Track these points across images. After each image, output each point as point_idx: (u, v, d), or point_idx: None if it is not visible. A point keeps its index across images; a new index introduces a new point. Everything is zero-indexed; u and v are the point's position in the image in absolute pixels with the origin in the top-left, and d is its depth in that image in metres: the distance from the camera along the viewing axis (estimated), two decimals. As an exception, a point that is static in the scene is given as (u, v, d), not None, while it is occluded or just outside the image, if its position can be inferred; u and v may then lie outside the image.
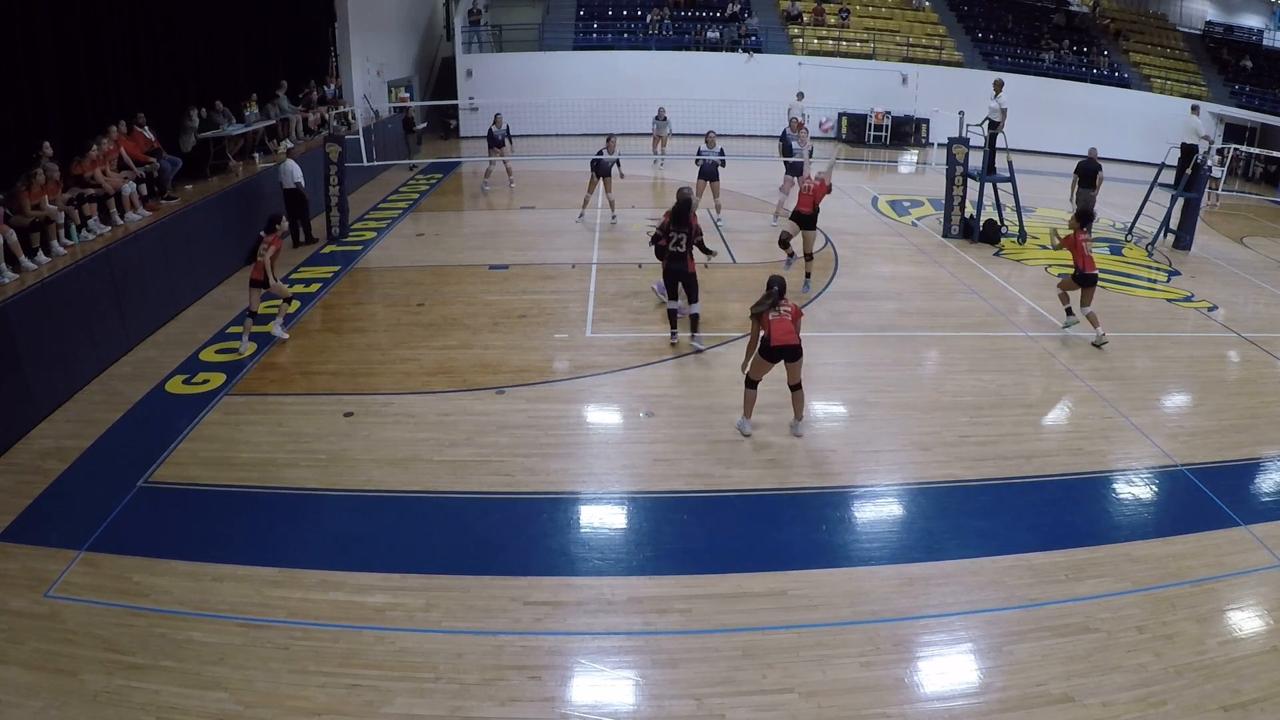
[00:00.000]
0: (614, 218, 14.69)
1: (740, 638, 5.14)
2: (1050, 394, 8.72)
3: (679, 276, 9.19)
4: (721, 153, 14.29)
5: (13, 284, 7.98)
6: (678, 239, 9.06)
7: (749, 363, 7.48)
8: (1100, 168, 14.56)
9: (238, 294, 11.05)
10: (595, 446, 7.49)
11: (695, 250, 9.23)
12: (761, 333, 7.28)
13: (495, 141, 17.45)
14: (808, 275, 11.43)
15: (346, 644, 5.04)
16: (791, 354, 7.28)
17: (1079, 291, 9.89)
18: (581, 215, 14.85)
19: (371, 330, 10.04)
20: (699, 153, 14.53)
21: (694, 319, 9.31)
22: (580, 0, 26.78)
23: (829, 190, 11.29)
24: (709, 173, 14.27)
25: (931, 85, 23.80)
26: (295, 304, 10.22)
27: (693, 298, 9.24)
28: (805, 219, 11.11)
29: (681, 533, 6.24)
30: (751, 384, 7.51)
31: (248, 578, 5.59)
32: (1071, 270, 9.92)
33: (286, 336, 9.60)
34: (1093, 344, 9.83)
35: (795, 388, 7.52)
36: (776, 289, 7.31)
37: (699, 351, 9.26)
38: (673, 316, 9.52)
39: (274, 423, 7.69)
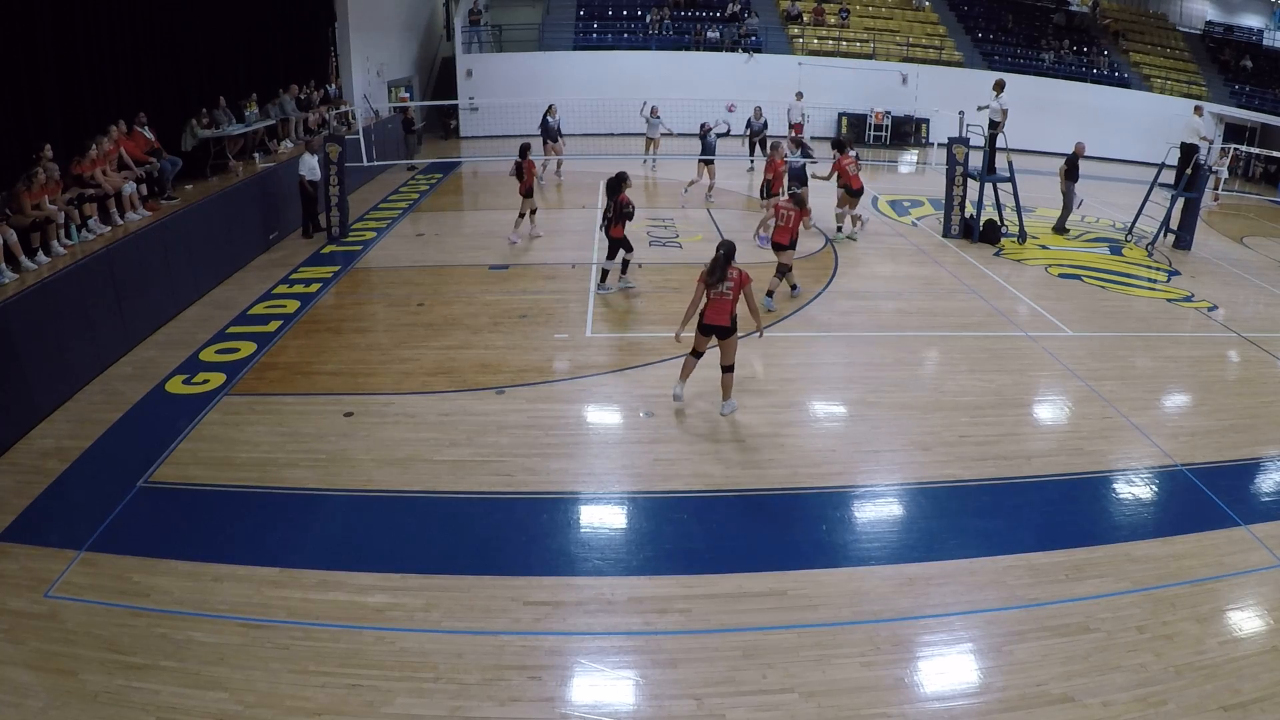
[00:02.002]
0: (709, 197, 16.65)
1: (740, 638, 5.14)
2: (1050, 394, 8.72)
3: (607, 237, 11.22)
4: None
5: (13, 284, 7.98)
6: (607, 207, 11.03)
7: (684, 326, 7.71)
8: (1076, 160, 14.73)
9: (238, 294, 11.07)
10: (595, 446, 7.49)
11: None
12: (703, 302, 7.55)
13: (551, 135, 17.47)
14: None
15: (346, 644, 5.04)
16: (721, 333, 7.56)
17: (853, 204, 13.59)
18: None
19: (371, 330, 10.04)
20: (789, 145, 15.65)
21: (624, 265, 11.30)
22: (580, 0, 26.77)
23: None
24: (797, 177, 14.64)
25: (931, 85, 23.80)
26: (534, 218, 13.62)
27: (610, 255, 11.30)
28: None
29: (681, 533, 6.24)
30: (695, 354, 7.88)
31: (248, 578, 5.59)
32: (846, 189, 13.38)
33: (518, 241, 13.33)
34: (848, 236, 14.00)
35: (726, 369, 7.77)
36: (722, 254, 7.45)
37: (628, 289, 11.27)
38: (603, 274, 11.46)
39: (274, 423, 7.69)
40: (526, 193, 13.20)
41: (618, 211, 10.80)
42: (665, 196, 17.11)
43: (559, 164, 18.29)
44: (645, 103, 18.45)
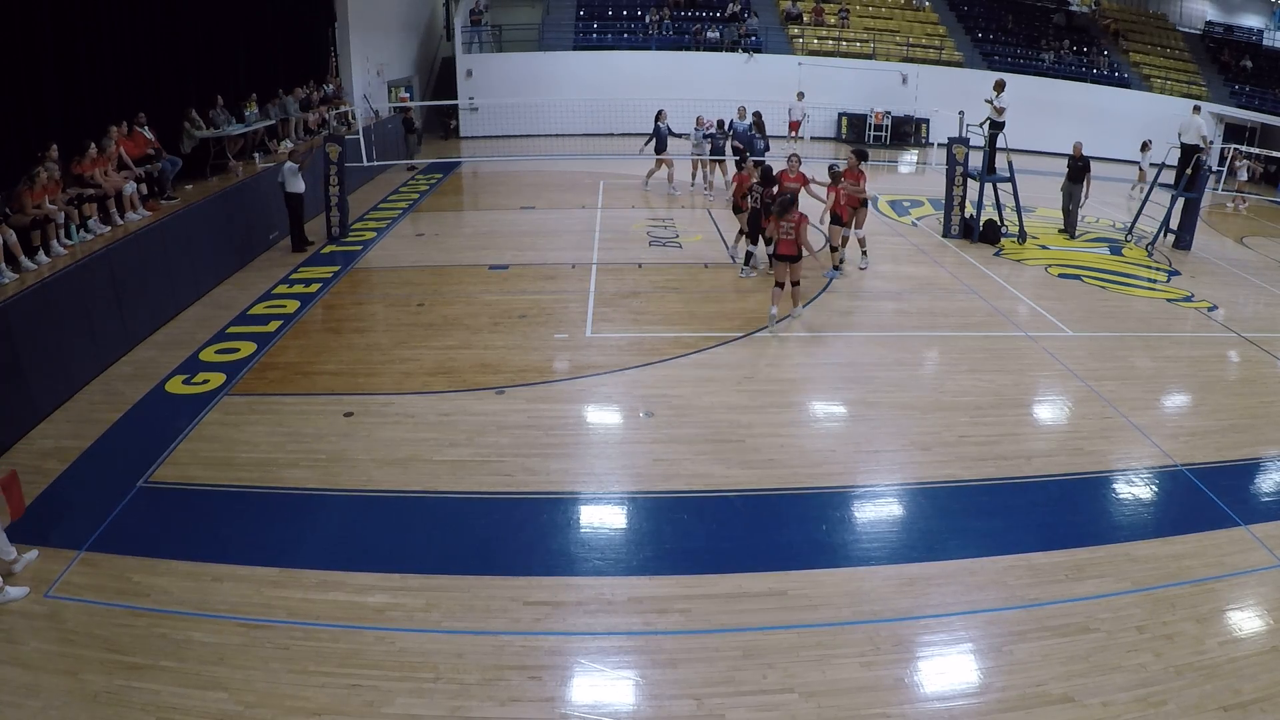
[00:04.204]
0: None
1: (740, 638, 5.14)
2: (1050, 394, 8.72)
3: (756, 225, 11.65)
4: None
5: (13, 284, 7.98)
6: (758, 197, 11.48)
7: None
8: (1072, 160, 14.74)
9: (238, 294, 11.08)
10: (595, 446, 7.49)
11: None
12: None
13: (663, 143, 16.64)
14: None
15: (346, 644, 5.04)
16: (790, 259, 9.76)
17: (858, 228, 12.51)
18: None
19: (371, 330, 10.04)
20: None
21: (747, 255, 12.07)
22: (580, 0, 26.78)
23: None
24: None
25: (931, 85, 23.80)
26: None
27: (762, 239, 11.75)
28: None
29: (681, 533, 6.24)
30: (779, 285, 9.96)
31: (248, 578, 5.59)
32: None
33: (751, 275, 12.04)
34: (841, 264, 12.41)
35: (794, 284, 10.00)
36: (781, 199, 9.89)
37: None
38: (747, 256, 12.04)
39: (274, 423, 7.69)
40: (741, 207, 12.24)
41: (762, 202, 11.40)
42: (664, 197, 17.08)
43: (670, 175, 17.16)
44: (700, 118, 16.70)
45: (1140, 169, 19.38)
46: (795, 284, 10.01)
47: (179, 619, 5.21)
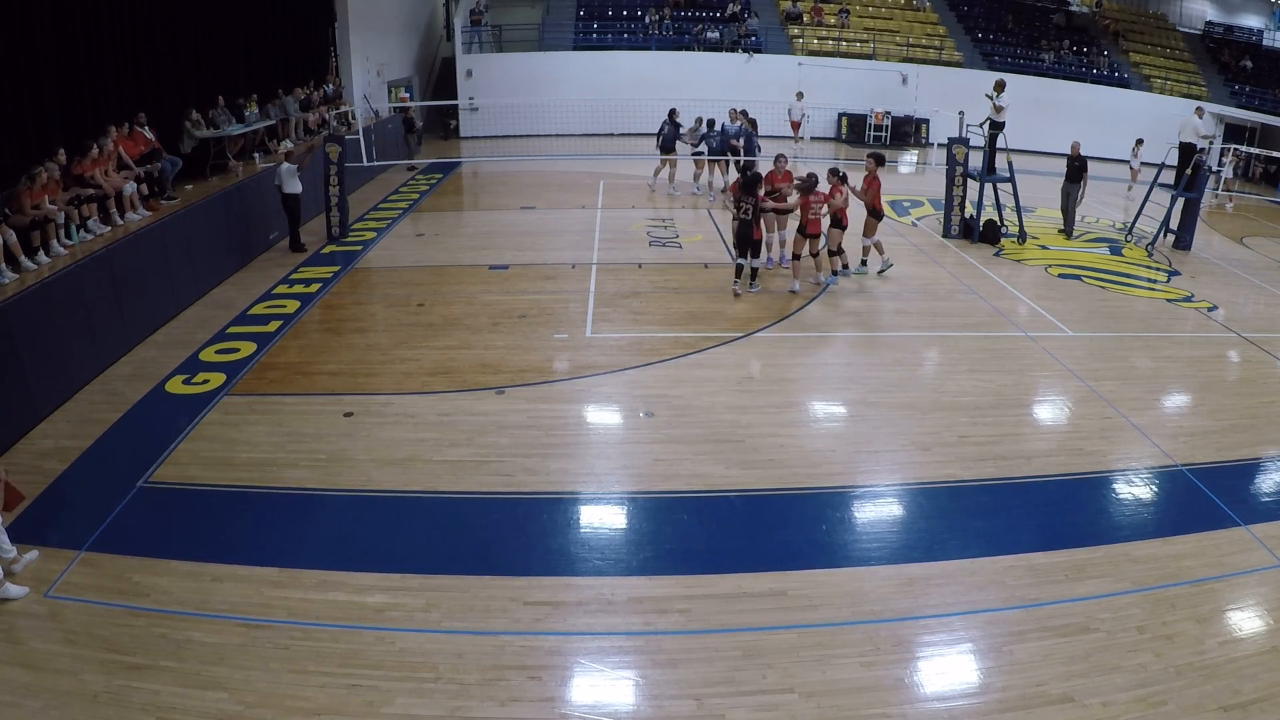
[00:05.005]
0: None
1: (740, 638, 5.14)
2: (1050, 394, 8.72)
3: (745, 239, 11.06)
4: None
5: (13, 284, 7.98)
6: (746, 207, 10.86)
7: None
8: (1074, 159, 14.72)
9: (238, 294, 11.08)
10: (595, 446, 7.49)
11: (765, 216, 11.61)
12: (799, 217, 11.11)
13: (672, 141, 16.57)
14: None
15: (346, 644, 5.04)
16: (814, 237, 11.12)
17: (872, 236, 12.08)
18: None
19: (371, 330, 10.04)
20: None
21: (754, 271, 11.38)
22: (580, 0, 26.78)
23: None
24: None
25: (931, 85, 23.80)
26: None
27: (755, 254, 11.26)
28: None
29: (681, 533, 6.24)
30: (796, 257, 11.23)
31: (248, 578, 5.60)
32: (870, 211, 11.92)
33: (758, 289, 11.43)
34: (879, 272, 12.13)
35: (813, 254, 11.31)
36: (808, 182, 11.03)
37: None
38: (739, 269, 11.29)
39: (274, 423, 7.69)
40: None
41: (757, 208, 10.90)
42: (665, 198, 17.08)
43: (671, 175, 17.06)
44: (699, 118, 16.61)
45: (1131, 168, 19.43)
46: (814, 255, 11.18)
47: (179, 619, 5.21)
